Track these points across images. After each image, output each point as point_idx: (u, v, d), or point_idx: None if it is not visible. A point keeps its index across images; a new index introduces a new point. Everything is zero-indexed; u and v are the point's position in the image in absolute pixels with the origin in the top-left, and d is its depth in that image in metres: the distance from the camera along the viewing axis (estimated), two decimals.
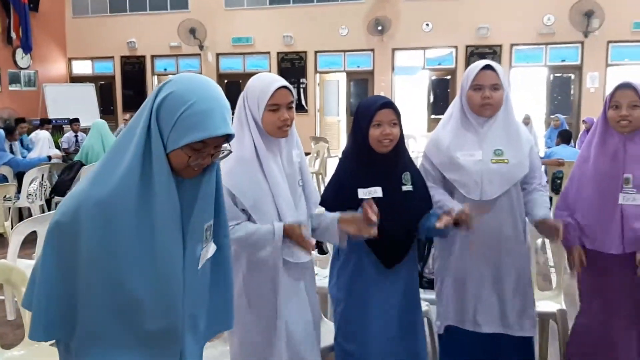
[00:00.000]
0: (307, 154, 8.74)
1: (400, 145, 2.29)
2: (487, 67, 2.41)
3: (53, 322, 1.33)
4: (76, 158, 7.11)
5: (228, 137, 1.36)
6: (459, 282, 2.54)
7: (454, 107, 2.55)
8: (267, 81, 2.04)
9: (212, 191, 1.49)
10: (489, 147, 2.43)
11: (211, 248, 1.53)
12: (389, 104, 2.25)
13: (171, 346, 1.44)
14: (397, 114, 2.26)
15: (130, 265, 1.32)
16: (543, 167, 6.51)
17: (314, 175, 9.03)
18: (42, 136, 7.94)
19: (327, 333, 2.55)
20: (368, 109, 2.25)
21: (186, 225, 1.39)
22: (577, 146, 8.81)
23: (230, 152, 1.40)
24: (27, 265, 3.50)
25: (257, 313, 2.08)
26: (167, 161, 1.31)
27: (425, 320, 2.92)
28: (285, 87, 2.03)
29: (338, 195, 2.29)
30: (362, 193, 2.26)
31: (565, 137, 7.25)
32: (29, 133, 8.65)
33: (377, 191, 2.26)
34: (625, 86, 2.40)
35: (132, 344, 1.37)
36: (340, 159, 2.40)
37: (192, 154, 1.31)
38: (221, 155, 1.38)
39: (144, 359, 1.39)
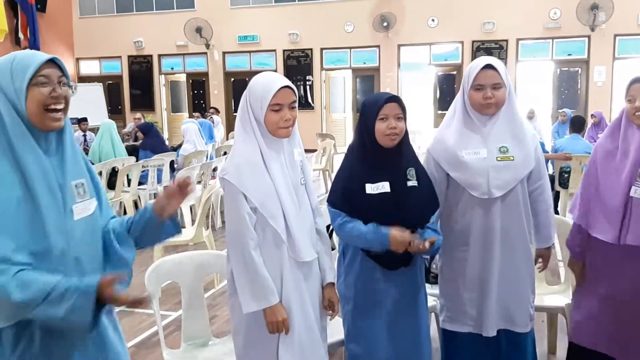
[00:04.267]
0: (313, 150, 8.74)
1: (404, 141, 2.30)
2: (488, 66, 2.40)
3: None
4: (88, 159, 7.15)
5: (65, 76, 1.57)
6: (460, 280, 2.54)
7: (456, 105, 2.54)
8: (269, 81, 2.05)
9: (77, 149, 1.66)
10: (494, 144, 2.42)
11: (92, 204, 1.66)
12: (394, 98, 2.28)
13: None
14: (403, 108, 2.27)
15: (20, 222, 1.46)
16: (550, 161, 6.50)
17: (320, 172, 9.04)
18: None
19: (337, 329, 2.57)
20: (374, 103, 2.27)
21: (60, 181, 1.56)
22: (586, 139, 8.73)
23: (74, 87, 1.59)
24: None
25: (261, 313, 2.07)
26: (18, 117, 1.50)
27: (432, 315, 2.94)
28: (287, 86, 2.04)
29: (346, 191, 2.29)
30: (370, 188, 2.26)
31: (577, 124, 6.76)
32: None
33: (384, 186, 2.27)
34: (639, 80, 2.41)
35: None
36: (346, 155, 2.40)
37: (40, 89, 1.51)
38: (71, 89, 1.58)
39: None
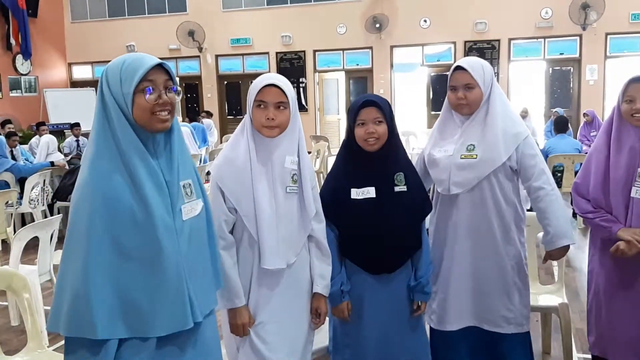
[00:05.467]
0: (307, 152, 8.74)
1: (390, 144, 2.27)
2: (459, 67, 2.45)
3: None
4: (81, 164, 7.11)
5: (172, 80, 1.60)
6: (435, 277, 2.56)
7: (445, 105, 2.59)
8: (261, 78, 2.05)
9: (185, 150, 1.67)
10: (464, 142, 2.46)
11: (198, 205, 1.67)
12: (371, 102, 2.23)
13: (177, 292, 1.56)
14: (383, 111, 2.22)
15: (128, 226, 1.50)
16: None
17: (315, 174, 9.02)
18: (44, 141, 7.92)
19: (324, 335, 2.54)
20: (353, 108, 2.28)
21: (169, 180, 1.59)
22: (577, 138, 8.76)
23: (180, 92, 1.61)
24: (29, 271, 3.51)
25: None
26: (126, 120, 1.53)
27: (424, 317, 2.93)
28: (276, 85, 2.01)
29: (332, 196, 2.28)
30: (355, 193, 2.25)
31: (560, 124, 6.99)
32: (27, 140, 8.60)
33: (370, 192, 2.25)
34: (637, 80, 2.39)
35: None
36: (336, 158, 2.40)
37: (146, 95, 1.53)
38: (176, 94, 1.60)
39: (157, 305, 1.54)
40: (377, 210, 2.25)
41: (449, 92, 2.49)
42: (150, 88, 1.54)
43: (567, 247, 2.47)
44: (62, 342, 1.53)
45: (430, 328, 2.65)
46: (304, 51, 14.49)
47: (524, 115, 10.73)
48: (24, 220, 6.60)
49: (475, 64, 2.45)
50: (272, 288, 2.08)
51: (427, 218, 2.47)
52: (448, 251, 2.52)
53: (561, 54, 12.92)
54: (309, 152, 9.30)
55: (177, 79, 1.60)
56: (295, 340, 2.15)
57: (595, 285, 2.60)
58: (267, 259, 2.03)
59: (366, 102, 2.23)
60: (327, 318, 2.42)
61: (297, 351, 2.16)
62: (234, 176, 2.01)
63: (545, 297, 3.17)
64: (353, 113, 2.25)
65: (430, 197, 2.58)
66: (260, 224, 2.01)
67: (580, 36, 12.52)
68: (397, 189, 2.28)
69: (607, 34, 12.37)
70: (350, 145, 2.30)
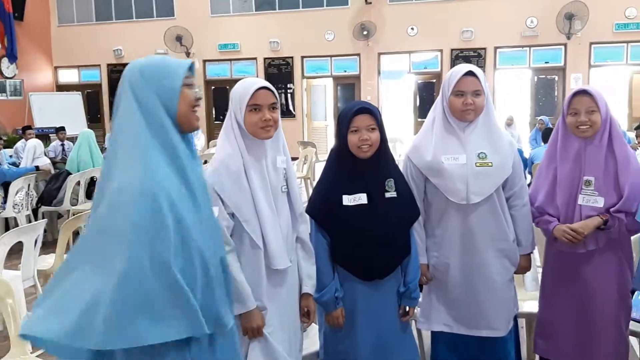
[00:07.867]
0: (295, 158, 8.74)
1: (382, 151, 2.29)
2: (469, 73, 2.42)
3: None
4: (66, 168, 7.06)
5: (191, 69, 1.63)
6: (440, 283, 2.55)
7: (435, 111, 2.55)
8: (248, 83, 2.08)
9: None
10: (473, 150, 2.44)
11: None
12: (365, 110, 2.25)
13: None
14: (376, 118, 2.24)
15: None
16: (528, 169, 6.63)
17: (302, 180, 9.03)
18: (31, 145, 7.84)
19: (314, 339, 2.55)
20: (346, 115, 2.27)
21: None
22: None
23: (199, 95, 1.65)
24: (12, 277, 3.47)
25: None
26: (171, 121, 1.54)
27: (413, 323, 2.94)
28: (266, 87, 2.06)
29: (323, 203, 2.29)
30: (347, 200, 2.26)
31: (547, 135, 7.22)
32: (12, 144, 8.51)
33: (361, 198, 2.26)
34: (581, 93, 2.46)
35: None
36: (325, 165, 2.41)
37: (187, 91, 1.59)
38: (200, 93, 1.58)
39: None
40: (369, 217, 2.26)
41: (453, 97, 2.43)
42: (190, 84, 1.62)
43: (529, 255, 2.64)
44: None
45: (437, 333, 2.64)
46: (292, 57, 14.51)
47: (510, 123, 10.83)
48: (8, 225, 6.53)
49: (479, 71, 2.47)
50: (278, 289, 2.11)
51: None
52: (466, 260, 2.49)
53: (546, 62, 13.07)
54: (297, 158, 9.32)
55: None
56: (295, 339, 2.20)
57: (543, 287, 2.70)
58: (276, 259, 2.06)
59: (360, 110, 2.24)
60: (317, 325, 2.43)
61: (297, 350, 2.21)
62: (231, 181, 2.02)
63: (530, 303, 3.18)
64: (346, 120, 2.25)
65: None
66: (264, 226, 2.04)
67: (565, 45, 12.68)
68: (387, 195, 2.29)
69: (591, 43, 12.53)
70: (341, 151, 2.30)
